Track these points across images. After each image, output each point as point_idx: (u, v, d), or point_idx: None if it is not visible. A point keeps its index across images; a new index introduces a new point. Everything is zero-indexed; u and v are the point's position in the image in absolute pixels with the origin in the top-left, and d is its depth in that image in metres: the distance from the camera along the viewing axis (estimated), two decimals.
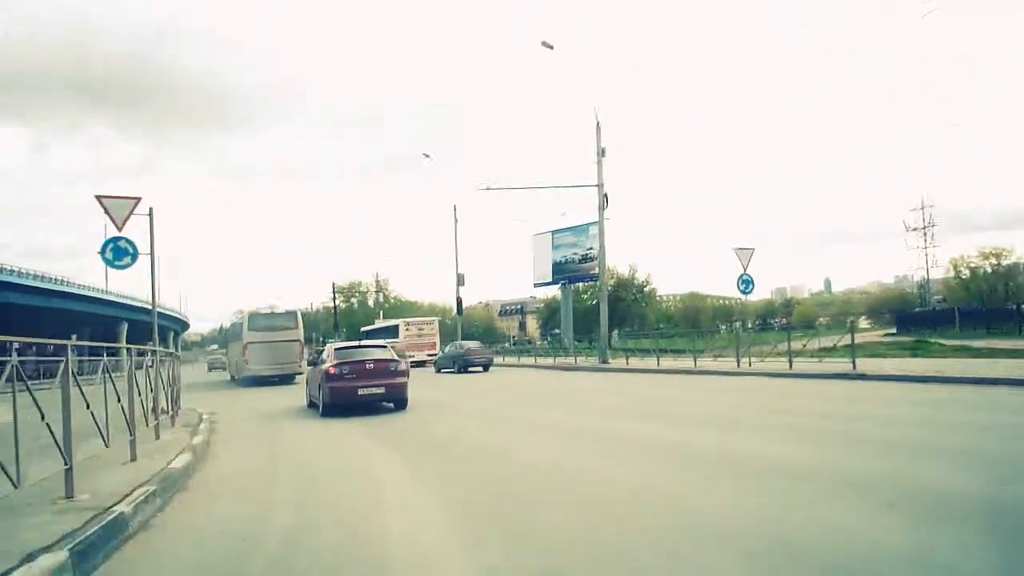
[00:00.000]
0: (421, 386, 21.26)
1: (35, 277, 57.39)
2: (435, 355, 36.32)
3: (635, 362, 27.66)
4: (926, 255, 67.55)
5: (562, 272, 44.68)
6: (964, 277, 64.49)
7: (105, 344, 7.96)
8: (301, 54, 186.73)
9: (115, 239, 13.55)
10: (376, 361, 13.74)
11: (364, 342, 19.86)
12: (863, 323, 73.86)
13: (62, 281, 61.25)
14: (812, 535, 4.23)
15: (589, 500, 5.56)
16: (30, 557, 3.84)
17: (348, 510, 5.67)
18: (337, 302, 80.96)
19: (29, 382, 4.97)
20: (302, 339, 28.01)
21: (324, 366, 13.81)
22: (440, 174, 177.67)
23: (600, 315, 29.17)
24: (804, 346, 19.66)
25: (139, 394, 8.08)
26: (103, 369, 6.71)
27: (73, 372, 5.65)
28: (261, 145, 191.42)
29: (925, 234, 67.42)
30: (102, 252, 13.55)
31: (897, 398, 12.12)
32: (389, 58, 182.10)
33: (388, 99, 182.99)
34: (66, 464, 5.41)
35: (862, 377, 15.39)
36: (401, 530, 4.93)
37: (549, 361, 34.04)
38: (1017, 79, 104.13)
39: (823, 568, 3.74)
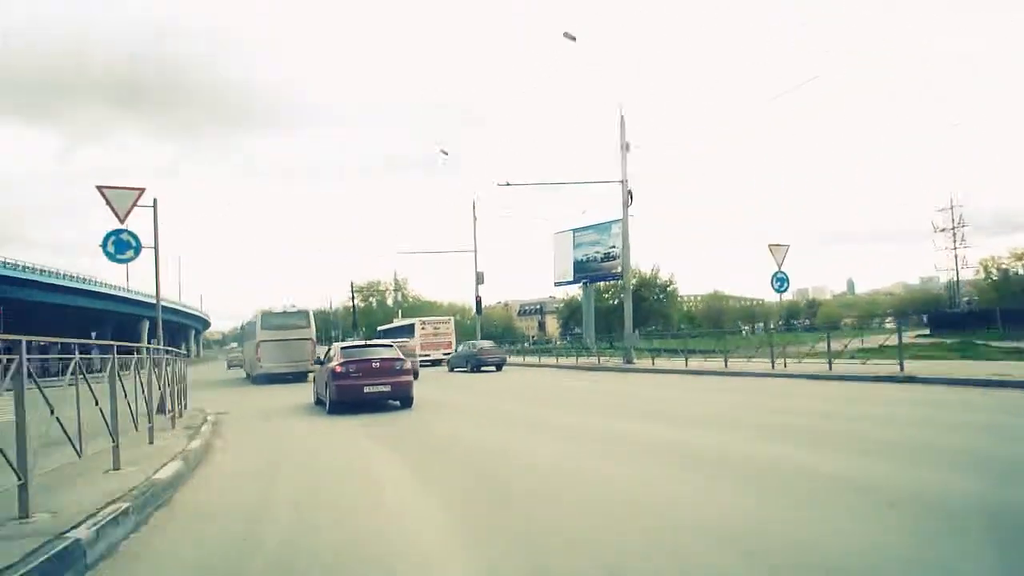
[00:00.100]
0: (430, 385, 20.74)
1: (59, 276, 57.76)
2: (450, 354, 35.71)
3: (661, 362, 26.54)
4: (955, 256, 65.59)
5: (584, 271, 43.68)
6: (995, 278, 62.80)
7: (79, 340, 7.22)
8: (329, 52, 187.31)
9: (117, 232, 12.97)
10: (382, 360, 13.79)
11: (370, 341, 20.21)
12: (888, 324, 72.14)
13: (85, 279, 61.55)
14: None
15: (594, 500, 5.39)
16: None
17: (348, 510, 5.57)
18: (356, 301, 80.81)
19: None
20: (314, 337, 28.17)
21: (331, 364, 13.87)
22: (462, 173, 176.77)
23: (624, 314, 28.24)
24: (845, 347, 18.61)
25: (125, 396, 7.30)
26: (74, 368, 5.90)
27: (31, 371, 4.85)
28: (288, 145, 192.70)
29: (955, 234, 65.45)
30: (103, 245, 12.98)
31: (968, 402, 11.02)
32: (417, 54, 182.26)
33: (412, 97, 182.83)
34: (19, 479, 4.61)
35: (911, 380, 14.24)
36: (401, 530, 4.87)
37: (571, 361, 33.04)
38: None
39: None
